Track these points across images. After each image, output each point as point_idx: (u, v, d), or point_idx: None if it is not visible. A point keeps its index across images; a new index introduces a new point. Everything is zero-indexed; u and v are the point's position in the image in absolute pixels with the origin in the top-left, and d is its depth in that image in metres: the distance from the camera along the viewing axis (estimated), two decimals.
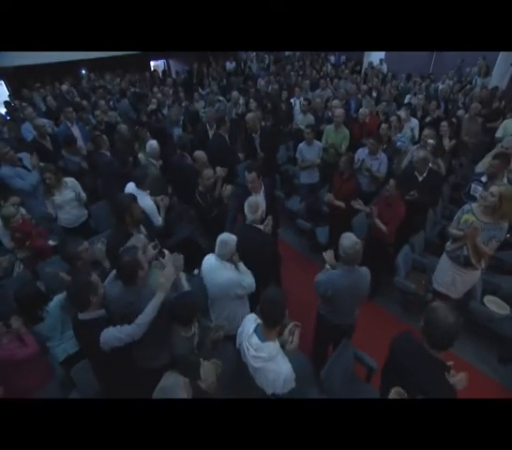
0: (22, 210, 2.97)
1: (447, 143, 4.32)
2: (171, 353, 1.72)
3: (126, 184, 2.84)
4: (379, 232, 2.95)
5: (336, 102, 4.46)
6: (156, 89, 5.82)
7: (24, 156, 3.45)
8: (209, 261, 2.13)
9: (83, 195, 3.16)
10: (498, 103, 6.00)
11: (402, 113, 4.32)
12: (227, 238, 1.98)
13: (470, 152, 4.94)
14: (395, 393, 1.35)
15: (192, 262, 2.41)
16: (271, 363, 1.47)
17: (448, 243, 2.71)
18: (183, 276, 2.09)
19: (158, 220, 2.75)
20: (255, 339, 1.52)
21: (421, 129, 4.17)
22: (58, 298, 2.15)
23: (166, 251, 2.22)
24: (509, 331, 2.70)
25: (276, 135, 4.23)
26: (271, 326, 1.51)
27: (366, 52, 9.97)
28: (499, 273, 3.28)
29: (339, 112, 4.05)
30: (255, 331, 1.54)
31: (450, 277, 2.71)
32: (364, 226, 3.45)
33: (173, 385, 1.25)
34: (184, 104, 5.52)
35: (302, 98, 4.97)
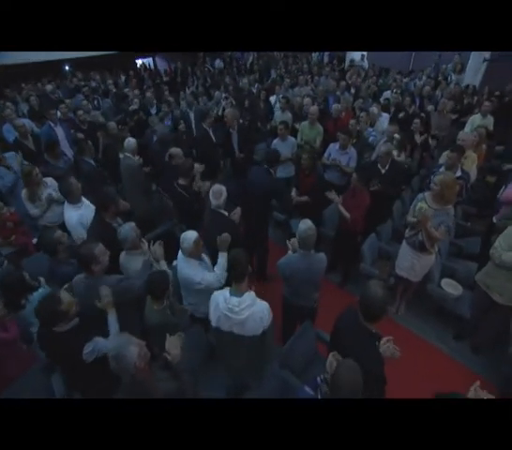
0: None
1: (418, 138, 4.57)
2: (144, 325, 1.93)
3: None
4: (347, 223, 3.17)
5: (307, 100, 4.65)
6: (136, 91, 5.94)
7: (11, 155, 3.57)
8: (179, 255, 2.30)
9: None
10: (470, 99, 6.25)
11: (374, 109, 4.53)
12: (184, 236, 2.14)
13: (441, 146, 5.18)
14: (331, 355, 1.56)
15: (172, 254, 2.61)
16: (255, 306, 1.77)
17: (407, 230, 2.94)
18: (164, 264, 2.29)
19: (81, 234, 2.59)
20: (235, 299, 1.75)
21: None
22: (43, 290, 2.30)
23: (144, 240, 2.41)
24: (462, 310, 2.95)
25: (253, 132, 4.41)
26: (241, 280, 1.78)
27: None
28: (459, 258, 3.54)
29: (313, 109, 4.23)
30: (231, 294, 1.78)
31: (409, 262, 2.94)
32: (334, 217, 3.66)
33: (124, 342, 1.42)
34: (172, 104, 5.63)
35: (280, 96, 5.14)
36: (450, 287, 3.06)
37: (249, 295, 1.78)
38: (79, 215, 2.62)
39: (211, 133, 4.32)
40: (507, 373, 2.42)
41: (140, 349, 1.41)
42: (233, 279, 1.81)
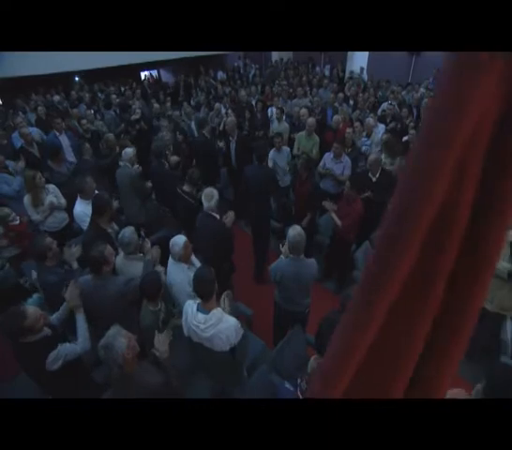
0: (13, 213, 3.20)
1: None
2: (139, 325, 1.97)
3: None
4: (342, 231, 3.22)
5: (303, 111, 4.76)
6: (137, 102, 6.14)
7: (9, 163, 3.71)
8: (169, 260, 2.34)
9: (64, 201, 3.38)
10: None
11: (370, 120, 4.63)
12: (173, 240, 2.19)
13: None
14: (313, 359, 1.58)
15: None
16: (221, 324, 1.73)
17: None
18: (161, 269, 2.35)
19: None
20: (200, 315, 1.75)
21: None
22: (37, 296, 2.36)
23: (147, 240, 2.50)
24: None
25: (249, 141, 4.53)
26: (207, 299, 1.77)
27: (348, 62, 10.43)
28: None
29: (311, 121, 4.31)
30: (198, 309, 1.78)
31: None
32: (329, 225, 3.71)
33: (114, 333, 1.46)
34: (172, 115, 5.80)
35: (275, 107, 5.29)
36: None
37: (216, 314, 1.74)
38: (88, 210, 2.76)
39: (211, 141, 4.43)
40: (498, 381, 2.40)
41: (129, 341, 1.47)
42: (201, 298, 1.79)
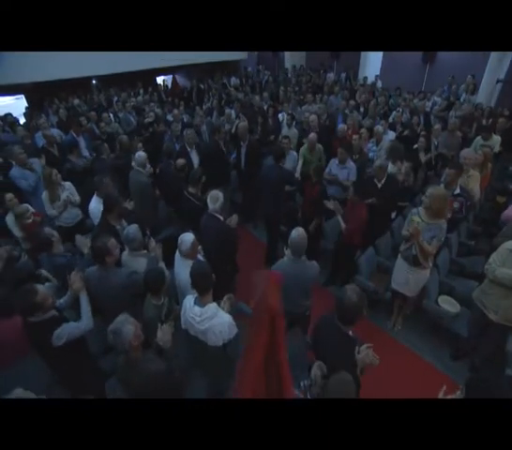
0: (31, 208, 3.37)
1: (423, 156, 4.63)
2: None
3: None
4: (346, 235, 3.24)
5: (313, 117, 4.82)
6: (152, 104, 6.33)
7: (35, 161, 3.96)
8: (176, 257, 2.42)
9: (78, 198, 3.56)
10: (485, 121, 6.24)
11: (379, 127, 4.66)
12: (182, 237, 2.27)
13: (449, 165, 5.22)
14: (316, 366, 1.61)
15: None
16: (215, 319, 1.80)
17: (402, 244, 2.97)
18: (163, 266, 2.42)
19: None
20: (197, 308, 1.82)
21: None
22: (49, 285, 2.47)
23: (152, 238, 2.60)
24: (459, 328, 2.90)
25: (260, 146, 4.61)
26: (204, 293, 1.83)
27: (361, 69, 10.48)
28: (460, 276, 3.50)
29: (312, 136, 4.26)
30: (195, 303, 1.85)
31: (404, 277, 2.95)
32: (335, 230, 3.73)
33: (123, 320, 1.55)
34: (185, 120, 5.96)
35: (285, 113, 5.38)
36: (447, 304, 3.04)
37: (211, 308, 1.80)
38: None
39: (222, 146, 4.52)
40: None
41: (136, 328, 1.56)
42: (198, 292, 1.86)
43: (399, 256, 2.98)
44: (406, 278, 2.94)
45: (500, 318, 2.43)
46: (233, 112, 5.92)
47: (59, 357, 1.93)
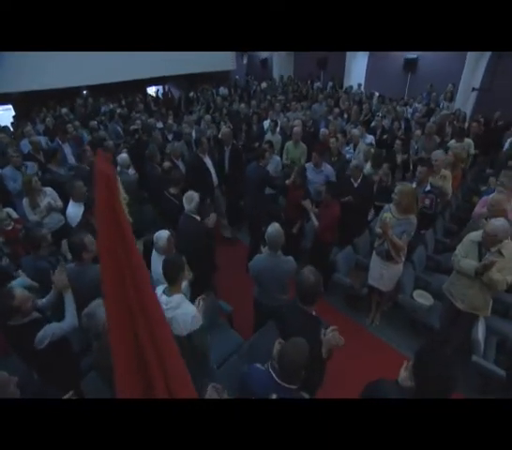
0: (15, 214, 3.38)
1: (399, 158, 4.82)
2: None
3: None
4: (320, 234, 3.34)
5: (297, 122, 5.00)
6: (138, 114, 6.51)
7: (30, 164, 4.10)
8: (153, 254, 2.49)
9: (60, 203, 3.58)
10: (459, 125, 6.52)
11: (356, 131, 4.85)
12: (157, 234, 2.36)
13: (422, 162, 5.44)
14: (277, 343, 1.68)
15: None
16: (179, 309, 1.87)
17: (376, 241, 3.08)
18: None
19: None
20: (164, 297, 1.90)
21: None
22: (21, 279, 2.48)
23: None
24: (435, 321, 2.99)
25: (244, 152, 4.75)
26: (173, 283, 1.91)
27: (346, 78, 10.86)
28: (436, 272, 3.61)
29: (297, 129, 4.57)
30: (163, 292, 1.93)
31: (378, 272, 3.05)
32: (312, 229, 3.84)
33: (97, 304, 1.59)
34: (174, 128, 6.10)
35: (270, 119, 5.56)
36: (422, 298, 3.13)
37: (176, 298, 1.87)
38: (79, 211, 3.02)
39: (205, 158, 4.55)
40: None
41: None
42: (167, 281, 1.92)
43: (374, 252, 3.08)
44: (380, 273, 3.03)
45: (466, 306, 2.53)
46: (209, 116, 6.09)
47: (41, 358, 1.91)
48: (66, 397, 1.52)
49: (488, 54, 7.95)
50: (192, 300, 2.11)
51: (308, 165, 4.10)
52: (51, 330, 1.85)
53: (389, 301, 3.42)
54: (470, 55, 8.02)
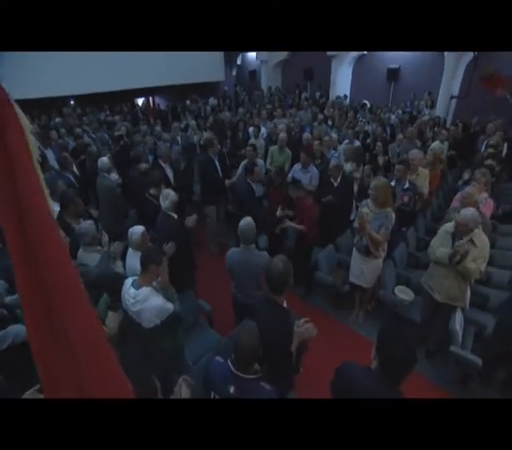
0: None
1: (381, 160, 4.94)
2: None
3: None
4: (306, 234, 3.36)
5: (281, 126, 5.10)
6: (125, 122, 6.59)
7: None
8: (128, 251, 2.47)
9: None
10: (440, 129, 6.76)
11: (334, 135, 4.98)
12: (132, 230, 2.36)
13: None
14: None
15: None
16: (147, 302, 1.84)
17: (355, 236, 3.10)
18: (121, 264, 2.47)
19: None
20: (132, 290, 1.87)
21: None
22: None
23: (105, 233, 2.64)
24: (414, 315, 2.98)
25: (230, 157, 4.81)
26: (143, 274, 1.89)
27: (331, 88, 11.19)
28: (418, 269, 3.63)
29: (282, 136, 4.65)
30: (132, 285, 1.90)
31: (358, 268, 3.06)
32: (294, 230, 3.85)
33: None
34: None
35: (253, 126, 5.67)
36: (403, 293, 3.13)
37: (144, 291, 1.85)
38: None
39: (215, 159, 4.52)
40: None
41: None
42: (140, 272, 1.92)
43: (354, 248, 3.09)
44: (361, 269, 3.04)
45: (444, 297, 2.54)
46: (194, 122, 6.19)
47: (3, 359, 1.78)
48: (28, 392, 1.45)
49: (464, 64, 8.31)
50: (171, 296, 2.07)
51: (295, 166, 4.16)
52: (12, 332, 1.75)
53: (372, 299, 3.41)
54: (447, 65, 8.37)
